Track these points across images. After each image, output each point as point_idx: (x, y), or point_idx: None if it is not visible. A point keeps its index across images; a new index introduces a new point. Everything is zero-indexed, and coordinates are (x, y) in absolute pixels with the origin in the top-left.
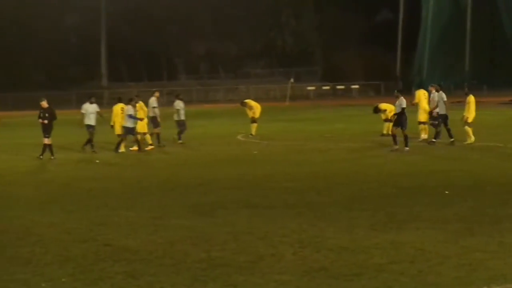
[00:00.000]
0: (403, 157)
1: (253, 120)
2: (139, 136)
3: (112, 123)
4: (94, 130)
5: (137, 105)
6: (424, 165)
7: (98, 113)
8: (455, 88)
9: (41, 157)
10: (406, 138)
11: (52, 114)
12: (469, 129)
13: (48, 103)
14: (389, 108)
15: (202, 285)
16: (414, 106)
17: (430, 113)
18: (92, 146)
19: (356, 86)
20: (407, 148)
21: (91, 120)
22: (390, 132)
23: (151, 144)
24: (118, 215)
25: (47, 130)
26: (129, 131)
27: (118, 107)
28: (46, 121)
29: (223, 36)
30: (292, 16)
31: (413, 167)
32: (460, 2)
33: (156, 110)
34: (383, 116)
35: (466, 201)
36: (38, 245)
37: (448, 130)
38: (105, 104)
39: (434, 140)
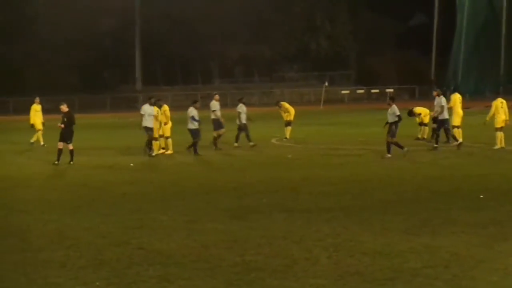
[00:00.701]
0: (438, 161)
1: (288, 124)
2: (161, 140)
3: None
4: (152, 132)
5: (161, 109)
6: (459, 169)
7: (154, 117)
8: (490, 91)
9: (56, 162)
10: (389, 145)
11: (71, 119)
12: (498, 134)
13: (68, 107)
14: (423, 112)
15: None
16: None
17: (435, 118)
18: (149, 148)
19: (391, 90)
20: (388, 155)
21: (148, 122)
22: (425, 136)
23: (163, 148)
24: (152, 219)
25: (66, 135)
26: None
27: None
28: (61, 126)
29: (257, 40)
30: (326, 19)
31: (448, 171)
32: (495, 5)
33: (218, 113)
34: (417, 120)
35: (502, 205)
36: (73, 248)
37: (441, 135)
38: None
39: (436, 145)
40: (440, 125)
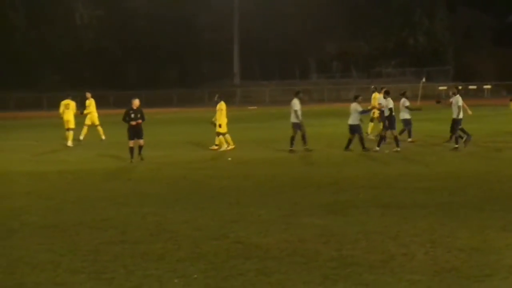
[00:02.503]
0: None
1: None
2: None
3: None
4: (299, 127)
5: (218, 106)
6: None
7: (295, 111)
8: None
9: (132, 161)
10: (381, 139)
11: (143, 114)
12: None
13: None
14: None
15: (333, 283)
16: None
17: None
18: (302, 143)
19: (488, 86)
20: (377, 148)
21: (294, 117)
22: None
23: (216, 145)
24: (250, 213)
25: (139, 131)
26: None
27: None
28: (138, 122)
29: (355, 35)
30: (424, 15)
31: None
32: None
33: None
34: None
35: None
36: (171, 241)
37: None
38: (237, 102)
39: (456, 146)
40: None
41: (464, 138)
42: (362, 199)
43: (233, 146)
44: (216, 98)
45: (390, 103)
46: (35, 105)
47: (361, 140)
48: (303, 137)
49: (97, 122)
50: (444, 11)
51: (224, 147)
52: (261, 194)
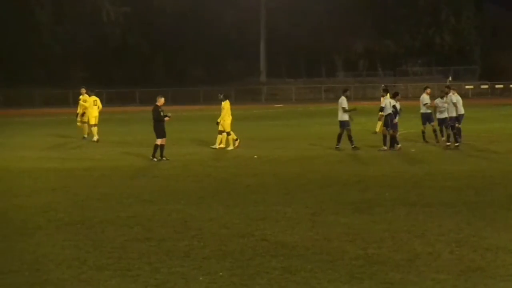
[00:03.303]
0: None
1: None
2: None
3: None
4: (347, 125)
5: (222, 104)
6: None
7: (343, 108)
8: None
9: (155, 159)
10: (386, 138)
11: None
12: None
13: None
14: None
15: (358, 282)
16: None
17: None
18: (351, 142)
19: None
20: (385, 147)
21: (343, 115)
22: None
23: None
24: (276, 211)
25: (164, 129)
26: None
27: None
28: (167, 119)
29: (382, 34)
30: (451, 14)
31: None
32: None
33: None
34: None
35: None
36: (196, 239)
37: (443, 133)
38: (263, 100)
39: (457, 144)
40: (451, 123)
41: (439, 137)
42: (388, 197)
43: (232, 147)
44: (221, 97)
45: (387, 102)
46: (61, 102)
47: (349, 138)
48: (349, 136)
49: (92, 122)
50: (471, 10)
51: (231, 146)
52: (287, 192)
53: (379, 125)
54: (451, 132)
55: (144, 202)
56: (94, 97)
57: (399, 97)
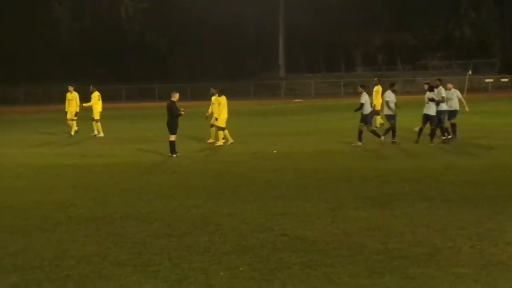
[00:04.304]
0: None
1: None
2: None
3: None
4: (392, 118)
5: (213, 98)
6: None
7: (386, 103)
8: None
9: (174, 155)
10: (361, 134)
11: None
12: None
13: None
14: None
15: (379, 276)
16: None
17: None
18: (394, 136)
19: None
20: (359, 143)
21: (388, 110)
22: None
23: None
24: (296, 206)
25: (178, 125)
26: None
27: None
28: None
29: (400, 27)
30: (471, 7)
31: None
32: None
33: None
34: None
35: None
36: (217, 234)
37: (432, 130)
38: (283, 95)
39: (444, 138)
40: (443, 117)
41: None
42: (408, 192)
43: (221, 143)
44: (216, 92)
45: (365, 97)
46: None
47: (391, 130)
48: (392, 130)
49: (71, 117)
50: (491, 3)
51: (229, 141)
52: (307, 187)
53: (378, 119)
54: (435, 128)
55: (164, 197)
56: (97, 93)
57: (360, 89)
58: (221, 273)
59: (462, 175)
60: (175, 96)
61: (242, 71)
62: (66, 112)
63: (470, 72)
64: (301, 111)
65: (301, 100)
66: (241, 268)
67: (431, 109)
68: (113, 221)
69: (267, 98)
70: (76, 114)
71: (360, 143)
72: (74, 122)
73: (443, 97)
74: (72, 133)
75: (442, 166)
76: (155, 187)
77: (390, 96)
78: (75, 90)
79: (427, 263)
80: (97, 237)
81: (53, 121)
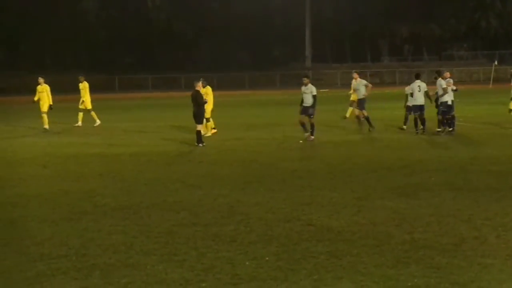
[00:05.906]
0: None
1: None
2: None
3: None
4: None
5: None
6: None
7: (425, 93)
8: None
9: (201, 145)
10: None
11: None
12: None
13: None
14: None
15: (405, 266)
16: None
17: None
18: (422, 129)
19: None
20: (311, 137)
21: (417, 100)
22: None
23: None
24: (322, 196)
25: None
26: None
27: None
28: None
29: (427, 18)
30: None
31: None
32: None
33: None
34: None
35: None
36: (243, 223)
37: (422, 120)
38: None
39: (439, 129)
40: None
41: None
42: (434, 182)
43: (210, 134)
44: (201, 82)
45: (313, 89)
46: (107, 88)
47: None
48: (422, 120)
49: (44, 110)
50: None
51: (209, 133)
52: (333, 177)
53: (349, 111)
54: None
55: (190, 187)
56: (86, 83)
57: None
58: (247, 263)
59: (488, 165)
60: (199, 85)
61: (268, 60)
62: (37, 104)
63: (496, 62)
64: (327, 101)
65: (327, 90)
66: (267, 258)
67: (449, 98)
68: (139, 210)
69: (293, 88)
70: (51, 107)
71: (405, 127)
72: (46, 116)
73: (444, 89)
74: (46, 126)
75: (467, 156)
76: (182, 176)
77: (441, 83)
78: (45, 82)
79: (453, 253)
80: (123, 226)
81: (77, 111)
